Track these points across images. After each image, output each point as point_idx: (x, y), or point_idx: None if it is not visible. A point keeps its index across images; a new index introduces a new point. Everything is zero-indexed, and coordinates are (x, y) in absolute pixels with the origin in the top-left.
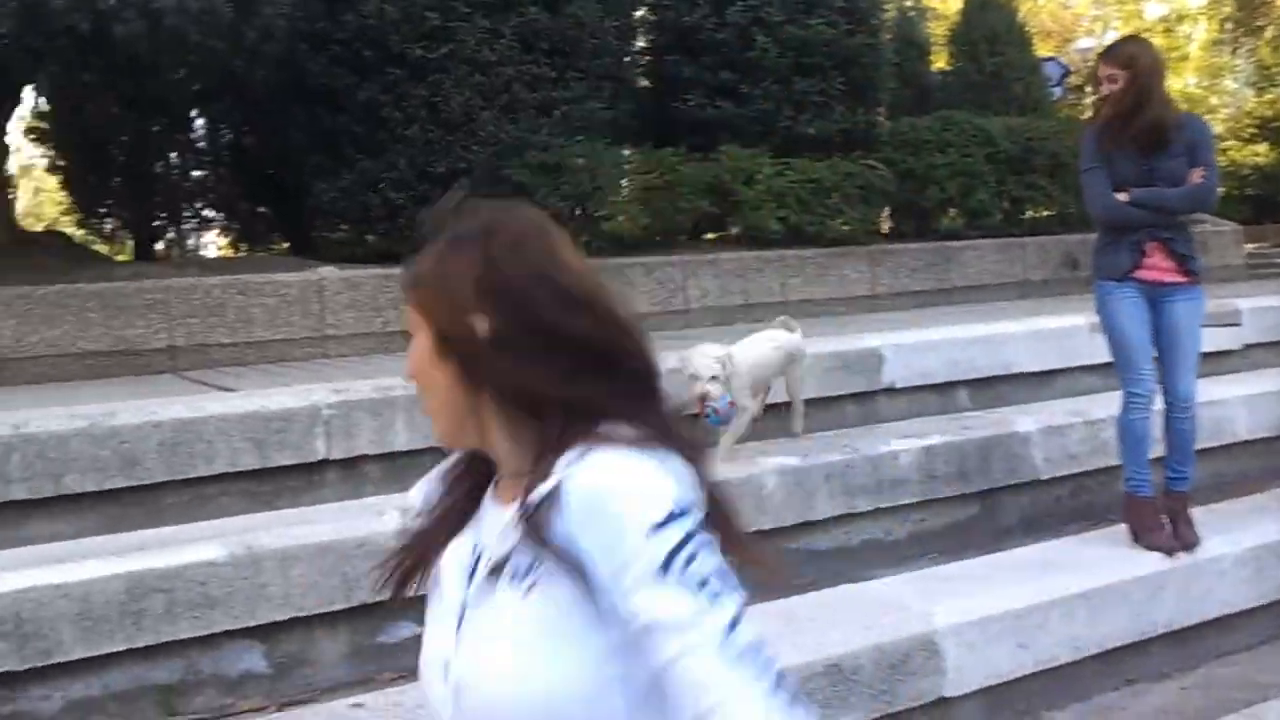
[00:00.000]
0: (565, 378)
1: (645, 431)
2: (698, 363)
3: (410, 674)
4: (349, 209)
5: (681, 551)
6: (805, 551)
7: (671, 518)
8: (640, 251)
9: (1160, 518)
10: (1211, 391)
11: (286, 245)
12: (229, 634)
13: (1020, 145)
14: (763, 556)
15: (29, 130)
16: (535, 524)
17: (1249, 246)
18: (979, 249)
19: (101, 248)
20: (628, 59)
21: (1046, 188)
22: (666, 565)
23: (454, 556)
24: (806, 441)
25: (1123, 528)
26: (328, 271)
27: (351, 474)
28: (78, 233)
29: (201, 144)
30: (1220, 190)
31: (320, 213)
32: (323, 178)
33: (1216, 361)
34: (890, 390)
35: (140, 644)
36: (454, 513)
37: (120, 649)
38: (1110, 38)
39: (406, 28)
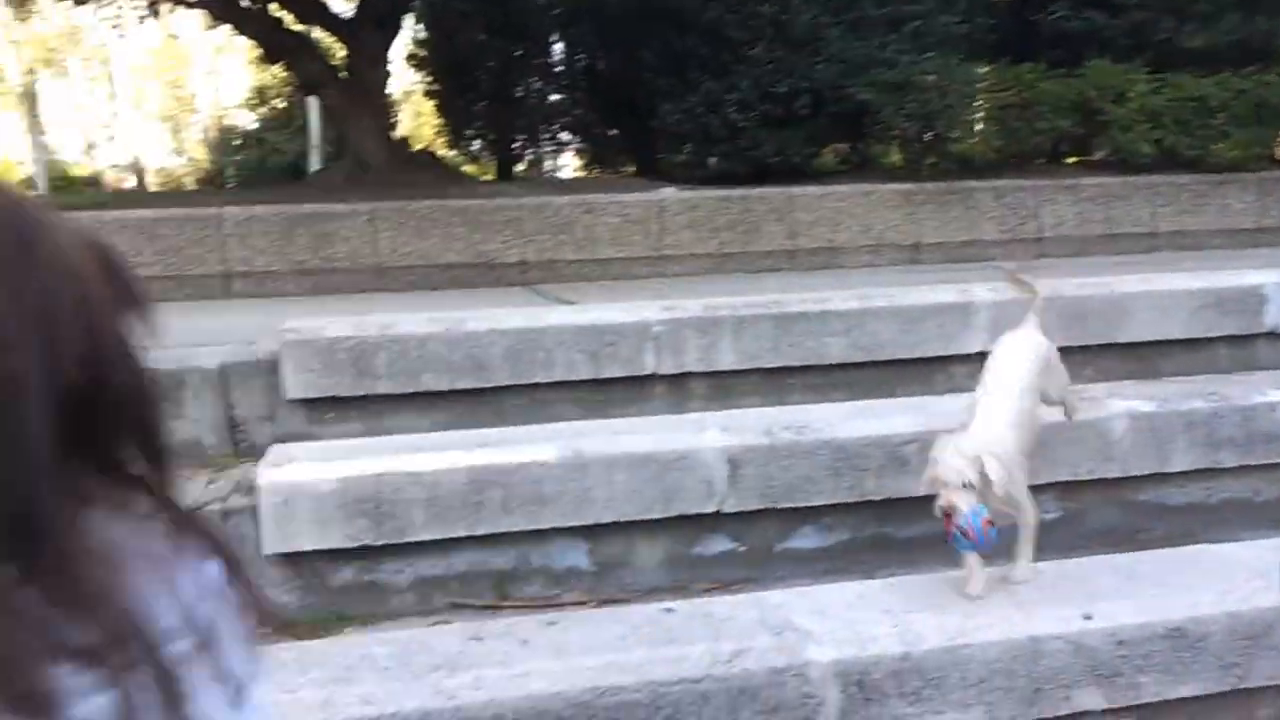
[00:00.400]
0: None
1: None
2: (945, 464)
3: (722, 586)
4: (692, 130)
5: None
6: (1155, 506)
7: None
8: (991, 174)
9: None
10: None
11: (633, 169)
12: (557, 530)
13: None
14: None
15: (409, 57)
16: None
17: None
18: None
19: (469, 169)
20: None
21: None
22: None
23: None
24: (1166, 385)
25: None
26: (668, 192)
27: (677, 389)
28: (448, 153)
29: (559, 68)
30: None
31: (665, 134)
32: (669, 99)
33: None
34: (1273, 335)
35: (480, 531)
36: None
37: (462, 535)
38: None
39: None
